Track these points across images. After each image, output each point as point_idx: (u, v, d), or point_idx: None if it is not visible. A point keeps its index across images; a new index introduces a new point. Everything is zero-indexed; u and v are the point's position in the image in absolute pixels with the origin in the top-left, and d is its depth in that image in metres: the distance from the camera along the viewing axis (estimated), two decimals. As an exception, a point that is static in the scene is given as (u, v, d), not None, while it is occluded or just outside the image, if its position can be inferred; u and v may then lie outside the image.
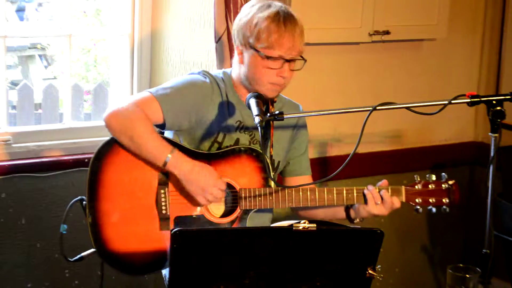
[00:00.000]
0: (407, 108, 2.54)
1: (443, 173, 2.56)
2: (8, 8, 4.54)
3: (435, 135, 3.94)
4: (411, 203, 2.53)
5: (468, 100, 2.49)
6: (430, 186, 2.54)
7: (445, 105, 2.48)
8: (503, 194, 3.53)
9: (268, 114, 2.40)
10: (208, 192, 2.39)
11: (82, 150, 3.15)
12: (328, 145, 3.61)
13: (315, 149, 3.59)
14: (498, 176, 3.51)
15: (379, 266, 2.13)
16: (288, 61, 2.46)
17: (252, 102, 2.44)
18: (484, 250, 2.52)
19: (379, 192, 2.50)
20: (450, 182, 2.54)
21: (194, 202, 2.46)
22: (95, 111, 3.58)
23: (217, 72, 2.62)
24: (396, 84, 3.75)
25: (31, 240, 3.16)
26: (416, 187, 2.54)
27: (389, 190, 2.52)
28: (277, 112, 2.41)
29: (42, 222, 3.16)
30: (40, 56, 5.34)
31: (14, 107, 3.73)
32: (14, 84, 4.01)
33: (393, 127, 3.78)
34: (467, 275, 2.42)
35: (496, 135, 2.46)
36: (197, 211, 2.48)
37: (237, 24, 2.51)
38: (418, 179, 2.54)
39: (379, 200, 2.49)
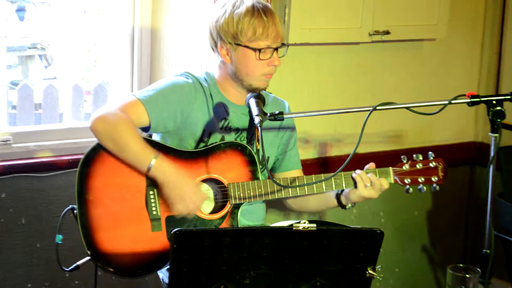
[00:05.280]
0: (407, 108, 2.55)
1: (430, 152, 2.57)
2: (8, 8, 4.54)
3: (435, 135, 3.94)
4: (400, 183, 2.55)
5: (468, 100, 2.49)
6: (417, 165, 2.56)
7: (445, 105, 2.49)
8: (503, 194, 3.53)
9: (268, 114, 2.41)
10: (185, 204, 2.40)
11: (82, 150, 3.12)
12: (328, 145, 3.62)
13: (315, 149, 3.59)
14: (498, 176, 3.51)
15: (379, 266, 2.14)
16: (276, 49, 2.51)
17: (252, 102, 2.46)
18: (484, 250, 2.52)
19: (366, 174, 2.52)
20: (437, 160, 2.56)
21: None
22: (95, 111, 3.58)
23: (199, 73, 2.64)
24: (396, 84, 3.75)
25: (31, 240, 3.16)
26: (404, 167, 2.56)
27: (377, 173, 2.53)
28: (277, 112, 2.43)
29: (42, 222, 3.16)
30: (40, 56, 5.34)
31: (14, 107, 3.73)
32: (14, 84, 4.01)
33: (393, 127, 3.78)
34: (467, 275, 2.42)
35: (496, 135, 2.46)
36: None
37: (214, 25, 2.53)
38: (406, 159, 2.56)
39: (368, 182, 2.51)
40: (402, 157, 2.57)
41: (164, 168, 2.40)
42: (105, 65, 4.38)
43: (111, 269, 2.44)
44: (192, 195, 2.42)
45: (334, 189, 2.55)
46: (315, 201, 2.69)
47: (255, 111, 2.42)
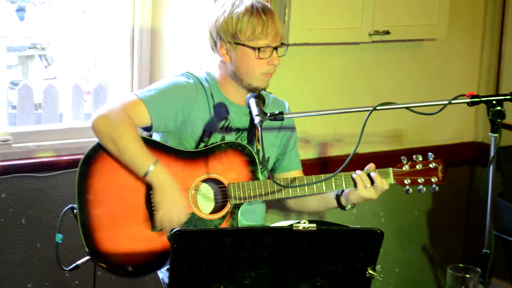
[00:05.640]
0: (407, 108, 2.55)
1: (430, 153, 2.57)
2: (8, 8, 4.54)
3: (435, 135, 3.94)
4: (400, 184, 2.55)
5: (468, 100, 2.49)
6: (417, 166, 2.56)
7: (445, 105, 2.49)
8: (503, 194, 3.53)
9: (268, 114, 2.41)
10: (169, 217, 2.40)
11: (82, 150, 3.12)
12: (328, 145, 3.62)
13: (315, 149, 3.59)
14: (498, 176, 3.51)
15: (379, 266, 2.14)
16: (276, 48, 2.51)
17: (252, 102, 2.47)
18: (484, 250, 2.52)
19: (367, 175, 2.52)
20: (437, 161, 2.56)
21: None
22: (96, 110, 3.58)
23: (200, 73, 2.64)
24: (396, 84, 3.75)
25: (31, 240, 3.16)
26: (404, 168, 2.56)
27: (377, 173, 2.53)
28: (277, 112, 2.43)
29: (42, 222, 3.16)
30: (40, 56, 5.34)
31: (14, 107, 3.73)
32: (14, 84, 4.01)
33: (393, 127, 3.78)
34: (467, 275, 2.42)
35: (496, 135, 2.46)
36: (187, 209, 2.47)
37: (213, 25, 2.53)
38: (405, 160, 2.56)
39: (368, 183, 2.51)
40: (402, 157, 2.57)
41: (161, 176, 2.41)
42: (105, 65, 4.38)
43: (110, 270, 2.44)
44: (180, 211, 2.42)
45: (334, 189, 2.55)
46: (315, 202, 2.69)
47: (255, 111, 2.42)
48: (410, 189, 2.55)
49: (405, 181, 2.55)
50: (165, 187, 2.40)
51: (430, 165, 2.56)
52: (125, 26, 3.42)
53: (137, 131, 2.45)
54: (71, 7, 3.34)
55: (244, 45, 2.49)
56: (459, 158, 3.99)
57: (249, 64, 2.51)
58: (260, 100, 2.48)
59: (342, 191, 2.58)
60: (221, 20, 2.50)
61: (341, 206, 2.61)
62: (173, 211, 2.41)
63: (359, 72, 3.64)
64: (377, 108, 2.46)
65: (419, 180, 2.55)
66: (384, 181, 2.52)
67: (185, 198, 2.46)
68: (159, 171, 2.40)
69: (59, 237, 2.51)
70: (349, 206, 2.59)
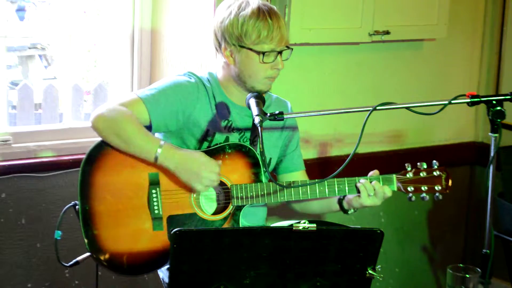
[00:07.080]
0: (407, 108, 2.55)
1: (434, 160, 2.56)
2: (8, 8, 4.54)
3: (435, 135, 3.94)
4: (403, 191, 2.54)
5: (468, 100, 2.49)
6: (421, 173, 2.54)
7: (445, 105, 2.49)
8: (503, 194, 3.53)
9: (268, 114, 2.41)
10: (203, 177, 2.39)
11: (82, 150, 3.15)
12: (328, 145, 3.62)
13: (315, 149, 3.59)
14: (498, 176, 3.51)
15: (379, 266, 2.14)
16: (280, 52, 2.49)
17: (252, 102, 2.46)
18: (484, 250, 2.52)
19: (370, 182, 2.51)
20: (441, 169, 2.55)
21: (185, 201, 2.47)
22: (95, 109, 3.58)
23: (202, 73, 2.63)
24: (396, 84, 3.75)
25: (31, 240, 3.16)
26: (408, 175, 2.54)
27: (381, 180, 2.52)
28: (277, 112, 2.42)
29: (42, 222, 3.16)
30: (40, 56, 5.35)
31: (14, 107, 3.73)
32: (14, 84, 4.01)
33: (393, 127, 3.79)
34: (467, 275, 2.42)
35: (496, 135, 2.46)
36: (189, 209, 2.48)
37: (218, 26, 2.51)
38: (410, 167, 2.55)
39: (372, 191, 2.49)
40: (406, 164, 2.55)
41: (171, 155, 2.40)
42: (105, 65, 4.38)
43: (111, 268, 2.44)
44: (205, 168, 2.39)
45: (337, 194, 2.54)
46: (318, 205, 2.69)
47: (255, 111, 2.41)
48: (413, 197, 2.53)
49: (409, 189, 2.53)
50: (182, 163, 2.39)
51: (434, 173, 2.54)
52: (125, 26, 3.42)
53: (137, 121, 2.44)
54: (71, 7, 3.34)
55: (248, 48, 2.47)
56: (459, 158, 3.99)
57: (253, 67, 2.50)
58: (260, 100, 2.47)
59: (344, 195, 2.58)
60: (227, 22, 2.48)
61: (343, 210, 2.61)
62: (201, 173, 2.38)
63: (359, 72, 3.64)
64: (377, 108, 2.46)
65: (422, 188, 2.53)
66: (387, 188, 2.51)
67: (201, 155, 2.42)
68: (167, 152, 2.39)
69: (58, 233, 2.51)
70: (352, 210, 2.59)
